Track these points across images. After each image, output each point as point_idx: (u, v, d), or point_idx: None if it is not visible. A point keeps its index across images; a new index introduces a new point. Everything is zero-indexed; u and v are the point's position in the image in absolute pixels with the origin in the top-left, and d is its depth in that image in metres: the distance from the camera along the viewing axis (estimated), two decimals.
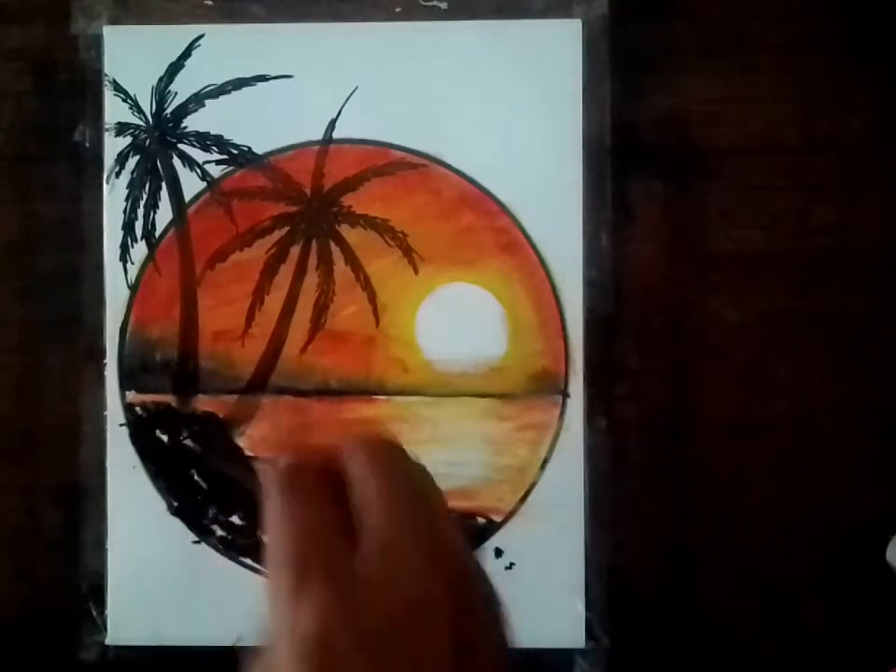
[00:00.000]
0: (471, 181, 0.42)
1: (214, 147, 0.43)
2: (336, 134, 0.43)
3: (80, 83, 0.43)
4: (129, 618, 0.42)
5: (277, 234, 0.43)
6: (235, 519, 0.43)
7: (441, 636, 0.28)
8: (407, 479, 0.32)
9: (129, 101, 0.43)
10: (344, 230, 0.43)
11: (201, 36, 0.43)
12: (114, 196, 0.43)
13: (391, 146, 0.43)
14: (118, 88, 0.43)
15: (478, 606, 0.30)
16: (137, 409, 0.43)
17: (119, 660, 0.42)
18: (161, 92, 0.43)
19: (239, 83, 0.43)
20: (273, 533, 0.29)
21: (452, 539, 0.31)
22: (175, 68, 0.43)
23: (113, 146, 0.43)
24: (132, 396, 0.43)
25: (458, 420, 0.42)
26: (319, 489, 0.30)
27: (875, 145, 0.43)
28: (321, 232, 0.43)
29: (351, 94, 0.43)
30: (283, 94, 0.43)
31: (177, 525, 0.42)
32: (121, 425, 0.43)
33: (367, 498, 0.30)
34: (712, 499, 0.43)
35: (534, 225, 0.42)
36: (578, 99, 0.42)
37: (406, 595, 0.28)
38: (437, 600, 0.28)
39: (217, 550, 0.42)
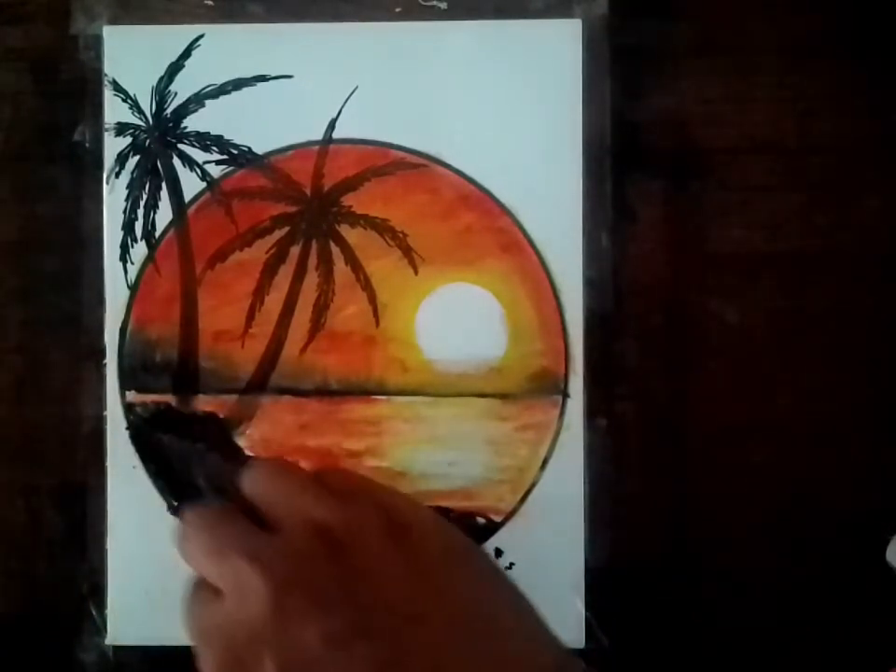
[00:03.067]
0: (471, 181, 0.42)
1: (214, 147, 0.43)
2: (336, 134, 0.43)
3: (80, 83, 0.43)
4: (129, 618, 0.42)
5: (277, 234, 0.43)
6: None
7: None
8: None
9: (129, 101, 0.43)
10: (344, 230, 0.43)
11: (201, 36, 0.43)
12: (114, 196, 0.43)
13: (391, 146, 0.43)
14: (118, 88, 0.43)
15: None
16: (137, 409, 0.43)
17: (118, 660, 0.42)
18: (160, 92, 0.43)
19: (239, 83, 0.43)
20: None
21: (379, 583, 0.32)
22: (174, 68, 0.43)
23: (113, 146, 0.43)
24: (132, 396, 0.43)
25: (458, 420, 0.42)
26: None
27: (874, 145, 0.43)
28: (321, 232, 0.43)
29: (351, 94, 0.43)
30: (283, 94, 0.43)
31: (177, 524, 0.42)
32: (122, 425, 0.43)
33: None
34: (712, 499, 0.43)
35: (534, 225, 0.42)
36: (578, 99, 0.42)
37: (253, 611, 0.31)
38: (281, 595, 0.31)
39: None
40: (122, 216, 0.43)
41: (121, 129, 0.43)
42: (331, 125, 0.43)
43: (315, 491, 0.33)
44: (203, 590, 0.34)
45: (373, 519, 0.33)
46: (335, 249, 0.43)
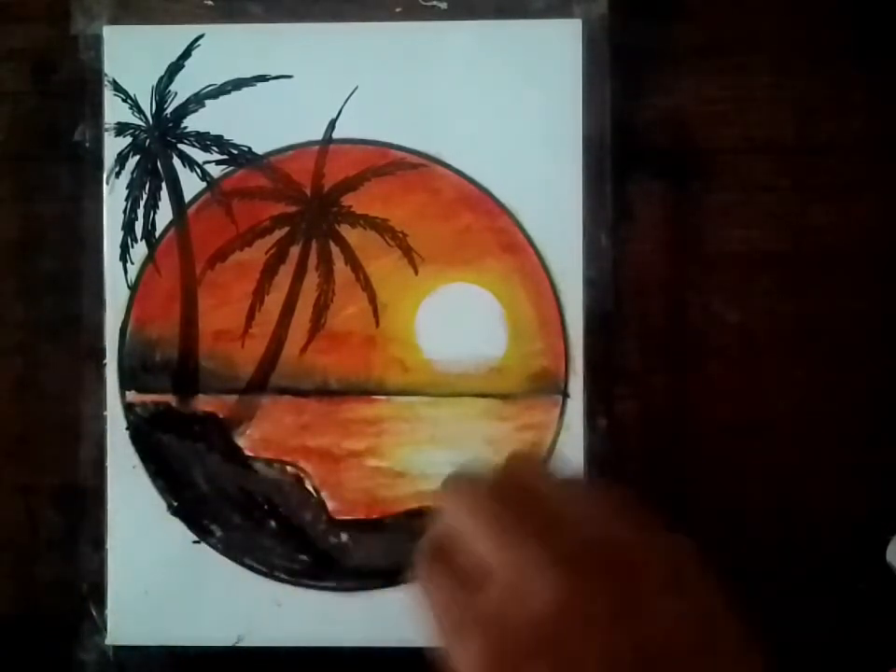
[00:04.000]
0: (471, 181, 0.42)
1: (214, 147, 0.43)
2: (336, 134, 0.43)
3: (80, 83, 0.43)
4: (129, 618, 0.42)
5: (277, 234, 0.43)
6: (235, 519, 0.43)
7: (601, 619, 0.28)
8: (490, 501, 0.32)
9: (129, 101, 0.43)
10: (344, 230, 0.43)
11: (201, 36, 0.43)
12: (114, 196, 0.43)
13: (391, 146, 0.43)
14: (118, 88, 0.43)
15: (653, 585, 0.30)
16: (137, 409, 0.43)
17: (118, 660, 0.42)
18: (161, 92, 0.43)
19: (239, 83, 0.43)
20: (425, 614, 0.31)
21: (578, 522, 0.30)
22: (174, 68, 0.43)
23: (113, 146, 0.43)
24: (132, 396, 0.43)
25: (458, 420, 0.42)
26: (438, 558, 0.32)
27: (874, 145, 0.43)
28: (321, 232, 0.43)
29: (351, 94, 0.43)
30: (283, 94, 0.43)
31: (177, 525, 0.42)
32: (122, 425, 0.43)
33: (469, 545, 0.31)
34: (712, 499, 0.43)
35: (534, 225, 0.42)
36: (578, 99, 0.42)
37: (544, 601, 0.28)
38: (584, 593, 0.28)
39: (217, 550, 0.42)
40: (122, 216, 0.43)
41: (121, 129, 0.43)
42: (331, 125, 0.43)
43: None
44: (458, 572, 0.31)
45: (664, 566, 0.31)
46: (335, 249, 0.43)
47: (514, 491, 0.32)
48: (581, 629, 0.28)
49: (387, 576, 0.42)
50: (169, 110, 0.43)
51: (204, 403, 0.43)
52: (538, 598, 0.28)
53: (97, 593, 0.42)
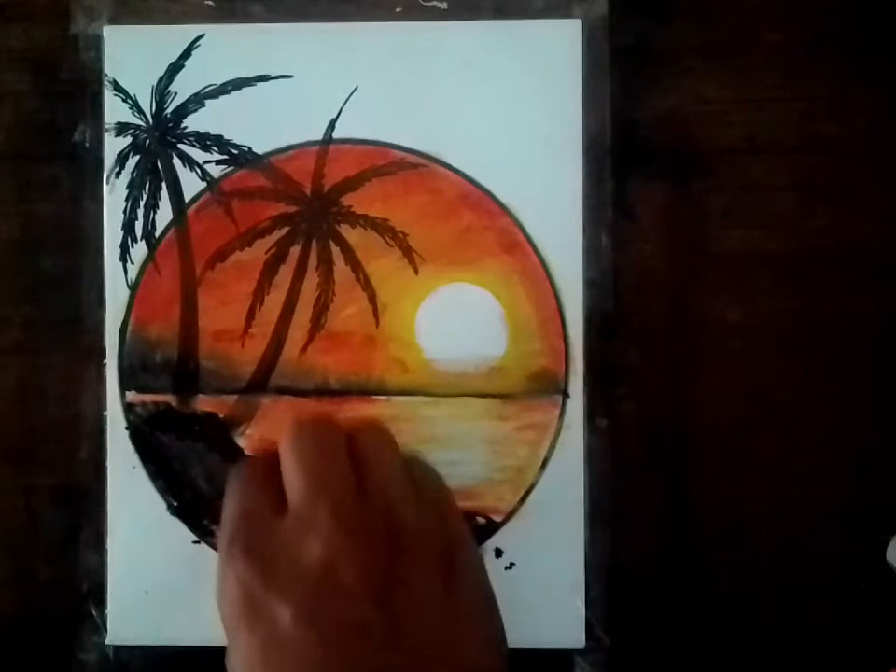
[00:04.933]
0: (471, 181, 0.42)
1: (214, 147, 0.43)
2: (336, 134, 0.43)
3: (80, 83, 0.43)
4: (129, 618, 0.42)
5: (277, 234, 0.43)
6: None
7: (354, 589, 0.32)
8: (314, 453, 0.36)
9: (129, 101, 0.43)
10: (344, 230, 0.43)
11: (201, 36, 0.43)
12: (114, 196, 0.43)
13: (391, 146, 0.43)
14: (118, 88, 0.43)
15: (420, 556, 0.34)
16: (137, 409, 0.43)
17: (118, 660, 0.42)
18: (160, 92, 0.43)
19: (239, 83, 0.43)
20: (224, 508, 0.36)
21: (375, 493, 0.35)
22: (174, 68, 0.43)
23: (113, 146, 0.43)
24: (132, 396, 0.43)
25: (458, 420, 0.42)
26: (256, 478, 0.37)
27: (874, 145, 0.43)
28: (321, 232, 0.43)
29: (351, 94, 0.43)
30: (283, 94, 0.43)
31: (177, 525, 0.42)
32: (122, 425, 0.43)
33: (287, 478, 0.35)
34: (712, 499, 0.43)
35: (534, 225, 0.42)
36: (578, 99, 0.42)
37: (315, 556, 0.32)
38: (349, 558, 0.32)
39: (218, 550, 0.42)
40: (122, 216, 0.43)
41: (121, 129, 0.43)
42: (331, 125, 0.43)
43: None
44: (269, 497, 0.35)
45: (434, 554, 0.34)
46: (335, 249, 0.43)
47: (339, 445, 0.36)
48: (336, 596, 0.32)
49: None
50: (169, 110, 0.43)
51: (204, 403, 0.43)
52: (309, 549, 0.32)
53: (97, 593, 0.42)
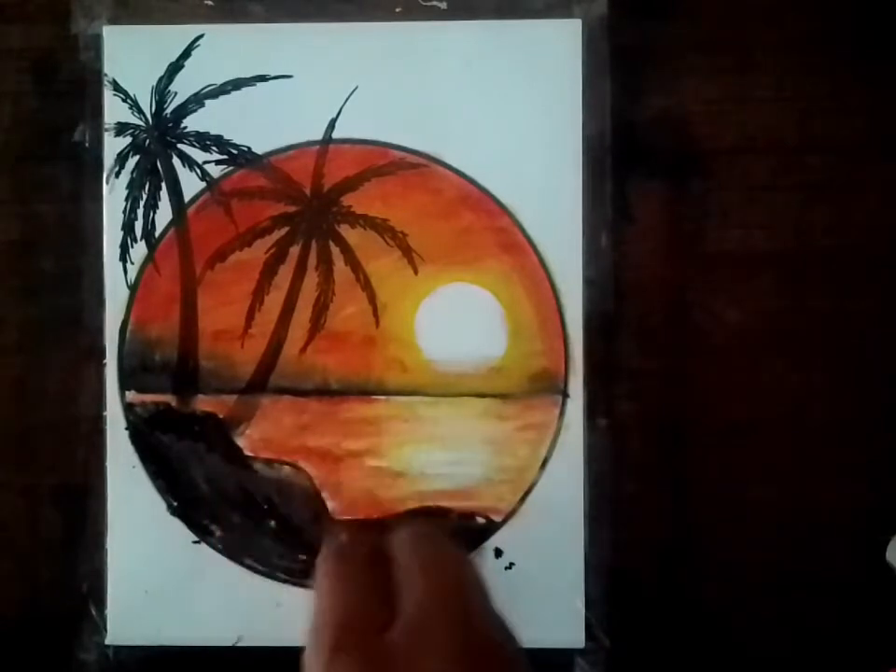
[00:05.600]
0: (471, 181, 0.42)
1: (214, 147, 0.43)
2: (336, 134, 0.43)
3: (80, 83, 0.43)
4: (129, 618, 0.42)
5: (277, 234, 0.43)
6: (235, 519, 0.43)
7: None
8: (448, 565, 0.34)
9: (129, 101, 0.43)
10: (344, 230, 0.43)
11: (201, 36, 0.43)
12: (114, 196, 0.43)
13: (391, 146, 0.43)
14: (117, 88, 0.43)
15: None
16: (137, 409, 0.43)
17: (118, 660, 0.42)
18: (160, 92, 0.43)
19: (239, 83, 0.43)
20: (319, 598, 0.31)
21: (487, 632, 0.32)
22: (174, 68, 0.43)
23: (113, 146, 0.43)
24: (132, 396, 0.43)
25: (458, 420, 0.42)
26: (365, 565, 0.33)
27: (874, 145, 0.43)
28: (321, 232, 0.43)
29: (351, 94, 0.43)
30: (283, 94, 0.43)
31: (177, 525, 0.42)
32: (122, 425, 0.43)
33: (409, 578, 0.32)
34: (712, 499, 0.43)
35: (534, 225, 0.42)
36: (578, 99, 0.42)
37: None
38: None
39: (217, 550, 0.42)
40: (122, 216, 0.43)
41: (121, 129, 0.43)
42: (331, 125, 0.43)
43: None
44: (378, 596, 0.32)
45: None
46: (335, 249, 0.43)
47: (461, 558, 0.34)
48: None
49: None
50: (169, 110, 0.43)
51: (204, 403, 0.43)
52: (424, 667, 0.29)
53: (97, 593, 0.42)
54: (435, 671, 0.29)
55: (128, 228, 0.43)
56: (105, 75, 0.43)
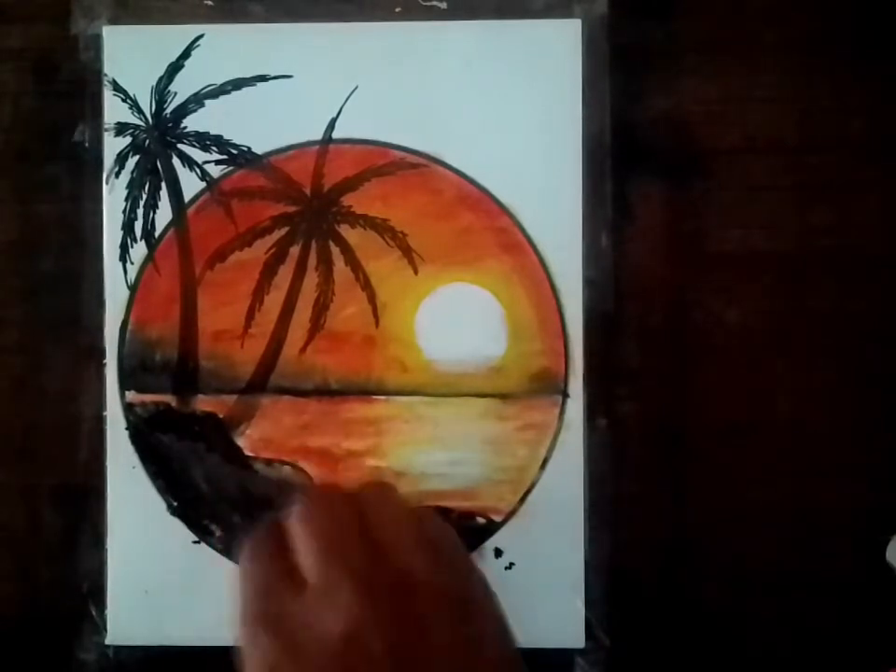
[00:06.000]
0: (471, 181, 0.42)
1: (213, 147, 0.43)
2: (336, 134, 0.43)
3: (80, 83, 0.43)
4: (129, 618, 0.42)
5: (277, 234, 0.43)
6: (235, 519, 0.43)
7: (380, 658, 0.31)
8: (326, 524, 0.35)
9: (129, 101, 0.43)
10: (344, 230, 0.43)
11: (201, 36, 0.43)
12: (114, 196, 0.43)
13: (391, 146, 0.43)
14: (117, 88, 0.43)
15: (439, 610, 0.33)
16: (137, 409, 0.43)
17: (118, 660, 0.42)
18: (160, 92, 0.43)
19: (239, 83, 0.43)
20: (236, 590, 0.35)
21: (389, 556, 0.34)
22: (174, 68, 0.43)
23: (113, 146, 0.43)
24: (131, 396, 0.43)
25: (458, 420, 0.42)
26: (269, 552, 0.35)
27: (875, 145, 0.43)
28: (321, 232, 0.43)
29: (351, 94, 0.43)
30: (283, 94, 0.43)
31: (177, 525, 0.42)
32: (122, 425, 0.43)
33: (301, 551, 0.34)
34: (712, 499, 0.43)
35: (534, 225, 0.42)
36: (578, 99, 0.42)
37: (338, 629, 0.32)
38: (373, 629, 0.32)
39: (217, 550, 0.42)
40: (122, 216, 0.43)
41: (121, 129, 0.43)
42: (331, 125, 0.43)
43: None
44: (283, 566, 0.34)
45: (451, 603, 0.34)
46: (335, 249, 0.43)
47: (348, 513, 0.35)
48: (363, 666, 0.31)
49: None
50: (169, 110, 0.43)
51: (204, 403, 0.43)
52: (332, 622, 0.32)
53: (97, 593, 0.42)
54: (339, 620, 0.32)
55: (128, 228, 0.43)
56: (105, 75, 0.43)
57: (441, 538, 0.36)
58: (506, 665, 0.34)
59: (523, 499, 0.42)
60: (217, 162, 0.43)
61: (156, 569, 0.42)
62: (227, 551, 0.42)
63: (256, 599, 0.34)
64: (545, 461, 0.42)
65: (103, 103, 0.43)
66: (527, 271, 0.42)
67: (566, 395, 0.42)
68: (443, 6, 0.42)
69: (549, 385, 0.42)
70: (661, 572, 0.43)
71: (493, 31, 0.42)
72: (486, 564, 0.42)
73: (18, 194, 0.44)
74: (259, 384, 0.42)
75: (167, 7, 0.43)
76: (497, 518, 0.42)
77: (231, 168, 0.43)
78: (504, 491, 0.42)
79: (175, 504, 0.42)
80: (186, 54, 0.43)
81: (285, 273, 0.43)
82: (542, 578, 0.42)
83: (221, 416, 0.43)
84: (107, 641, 0.42)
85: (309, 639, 0.32)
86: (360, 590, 0.33)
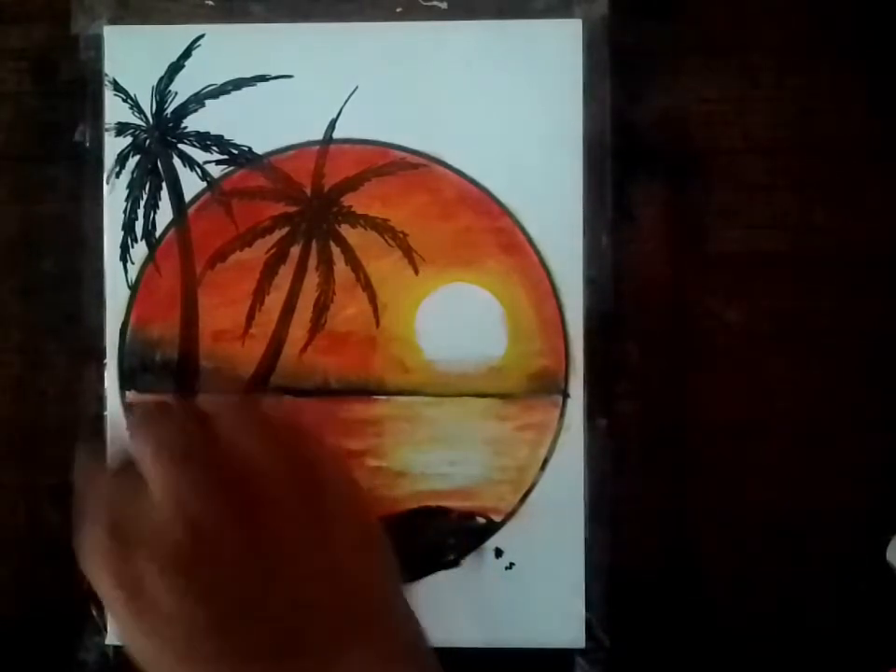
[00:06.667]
0: (471, 181, 0.42)
1: (214, 147, 0.43)
2: (336, 134, 0.43)
3: (80, 83, 0.43)
4: None
5: (277, 234, 0.43)
6: None
7: (228, 551, 0.32)
8: (164, 425, 0.36)
9: (129, 101, 0.43)
10: (345, 230, 0.43)
11: (201, 36, 0.43)
12: (114, 196, 0.43)
13: (391, 146, 0.43)
14: (118, 88, 0.43)
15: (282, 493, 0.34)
16: (137, 409, 0.43)
17: (119, 660, 0.42)
18: (161, 92, 0.43)
19: (239, 83, 0.43)
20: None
21: (223, 443, 0.35)
22: (175, 68, 0.43)
23: (113, 146, 0.43)
24: (132, 396, 0.43)
25: (458, 420, 0.42)
26: (112, 466, 0.36)
27: (874, 145, 0.43)
28: (321, 232, 0.43)
29: (351, 94, 0.43)
30: (283, 94, 0.43)
31: None
32: (122, 425, 0.43)
33: (138, 456, 0.35)
34: (712, 499, 0.43)
35: (534, 225, 0.42)
36: (578, 99, 0.42)
37: (180, 528, 0.32)
38: (214, 523, 0.33)
39: None
40: (122, 216, 0.43)
41: (121, 129, 0.43)
42: (331, 125, 0.43)
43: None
44: (129, 478, 0.35)
45: (289, 481, 0.35)
46: (335, 249, 0.43)
47: (182, 415, 0.37)
48: (200, 546, 0.32)
49: None
50: (169, 110, 0.43)
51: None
52: (175, 524, 0.33)
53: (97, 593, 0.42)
54: (170, 508, 0.33)
55: (128, 228, 0.43)
56: (106, 75, 0.43)
57: (282, 427, 0.37)
58: (361, 533, 0.35)
59: (523, 499, 0.42)
60: (218, 162, 0.43)
61: None
62: None
63: (100, 513, 0.35)
64: (545, 461, 0.42)
65: (103, 103, 0.43)
66: (527, 271, 0.42)
67: (566, 395, 0.42)
68: (444, 6, 0.42)
69: (549, 385, 0.42)
70: (661, 572, 0.43)
71: (493, 31, 0.42)
72: (486, 564, 0.42)
73: (18, 194, 0.44)
74: (260, 384, 0.42)
75: (168, 7, 0.43)
76: (497, 518, 0.42)
77: (231, 168, 0.43)
78: (504, 491, 0.42)
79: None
80: (186, 54, 0.43)
81: (285, 273, 0.43)
82: (542, 578, 0.42)
83: None
84: (107, 641, 0.42)
85: (157, 544, 0.33)
86: (199, 487, 0.33)
